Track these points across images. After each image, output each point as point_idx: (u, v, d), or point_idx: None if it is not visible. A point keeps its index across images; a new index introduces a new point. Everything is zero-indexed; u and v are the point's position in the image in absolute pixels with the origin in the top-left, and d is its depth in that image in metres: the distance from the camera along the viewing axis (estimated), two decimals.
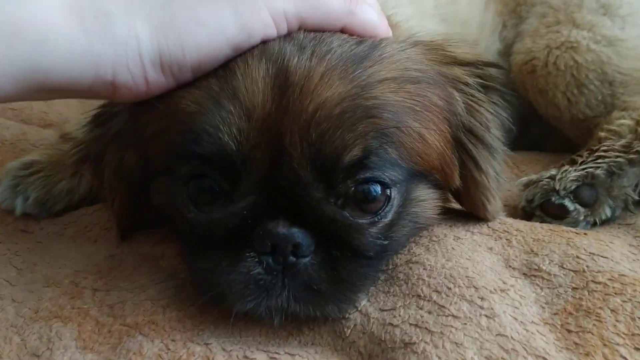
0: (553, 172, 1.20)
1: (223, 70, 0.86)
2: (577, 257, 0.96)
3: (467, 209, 1.06)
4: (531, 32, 1.60)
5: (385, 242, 0.92)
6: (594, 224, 1.17)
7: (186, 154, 0.85)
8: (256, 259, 0.85)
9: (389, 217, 0.91)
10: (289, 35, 0.88)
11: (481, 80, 1.00)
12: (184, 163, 0.87)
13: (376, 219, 0.90)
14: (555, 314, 0.88)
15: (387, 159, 0.87)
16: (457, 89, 0.97)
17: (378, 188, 0.89)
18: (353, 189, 0.87)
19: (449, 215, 1.06)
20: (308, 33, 0.89)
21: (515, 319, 0.85)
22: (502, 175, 1.03)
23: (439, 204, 1.01)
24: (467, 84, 0.98)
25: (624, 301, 0.87)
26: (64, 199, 1.20)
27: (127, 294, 0.94)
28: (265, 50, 0.86)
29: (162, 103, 0.88)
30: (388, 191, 0.90)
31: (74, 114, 1.65)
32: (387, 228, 0.92)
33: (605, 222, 1.18)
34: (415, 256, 0.97)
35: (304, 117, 0.83)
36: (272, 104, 0.83)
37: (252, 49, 0.86)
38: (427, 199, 0.98)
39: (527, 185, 1.20)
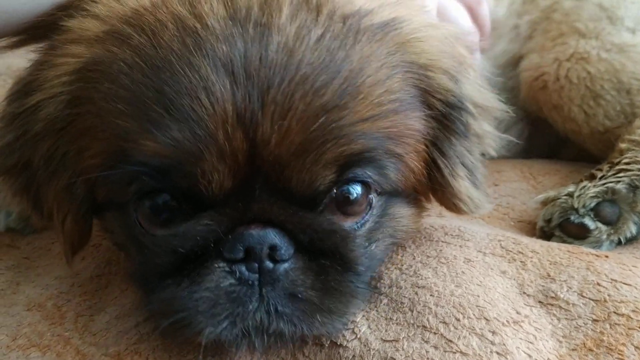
0: (571, 188, 1.12)
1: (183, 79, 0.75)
2: (598, 284, 0.89)
3: (444, 207, 1.00)
4: (537, 48, 1.53)
5: (372, 249, 0.87)
6: (619, 243, 1.10)
7: (135, 170, 0.77)
8: (226, 269, 0.76)
9: (369, 224, 0.86)
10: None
11: (451, 111, 0.91)
12: (132, 181, 0.79)
13: (357, 225, 0.85)
14: (573, 349, 0.81)
15: (367, 172, 0.82)
16: (430, 109, 0.90)
17: (359, 188, 0.83)
18: (335, 190, 0.81)
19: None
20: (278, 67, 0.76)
21: (530, 356, 0.79)
22: (480, 174, 0.97)
23: (415, 219, 0.97)
24: (438, 108, 0.90)
25: None
26: None
27: (112, 320, 0.88)
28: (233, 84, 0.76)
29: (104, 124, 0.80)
30: (370, 197, 0.85)
31: None
32: (368, 236, 0.87)
33: (630, 241, 1.10)
34: (422, 279, 0.90)
35: (269, 159, 0.76)
36: (235, 134, 0.75)
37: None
38: (403, 215, 0.93)
39: (545, 203, 1.12)
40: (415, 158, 0.89)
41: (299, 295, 0.77)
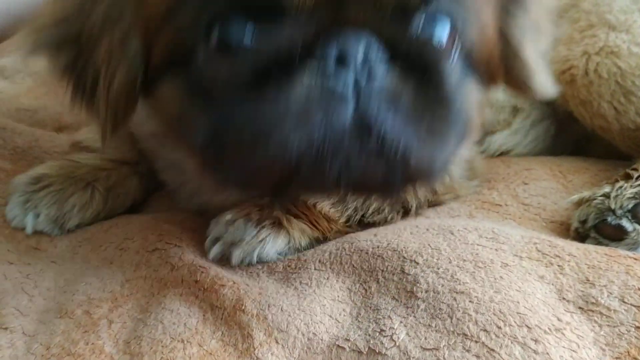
0: (607, 189, 1.10)
1: None
2: (639, 289, 0.86)
3: (512, 89, 0.99)
4: (564, 39, 1.49)
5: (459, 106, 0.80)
6: None
7: None
8: (318, 68, 0.70)
9: (456, 70, 0.81)
10: None
11: None
12: (204, 8, 0.74)
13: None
14: (617, 358, 0.79)
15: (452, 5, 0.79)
16: None
17: (447, 25, 0.78)
18: (422, 22, 0.76)
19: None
20: None
21: None
22: (546, 52, 0.98)
23: (479, 114, 0.92)
24: None
25: None
26: (77, 215, 1.12)
27: (144, 328, 0.87)
28: None
29: None
30: (455, 40, 0.80)
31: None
32: (456, 82, 0.82)
33: None
34: (460, 284, 0.88)
35: None
36: None
37: None
38: (473, 100, 0.88)
39: (579, 203, 1.10)
40: (488, 14, 0.86)
41: (401, 101, 0.71)
